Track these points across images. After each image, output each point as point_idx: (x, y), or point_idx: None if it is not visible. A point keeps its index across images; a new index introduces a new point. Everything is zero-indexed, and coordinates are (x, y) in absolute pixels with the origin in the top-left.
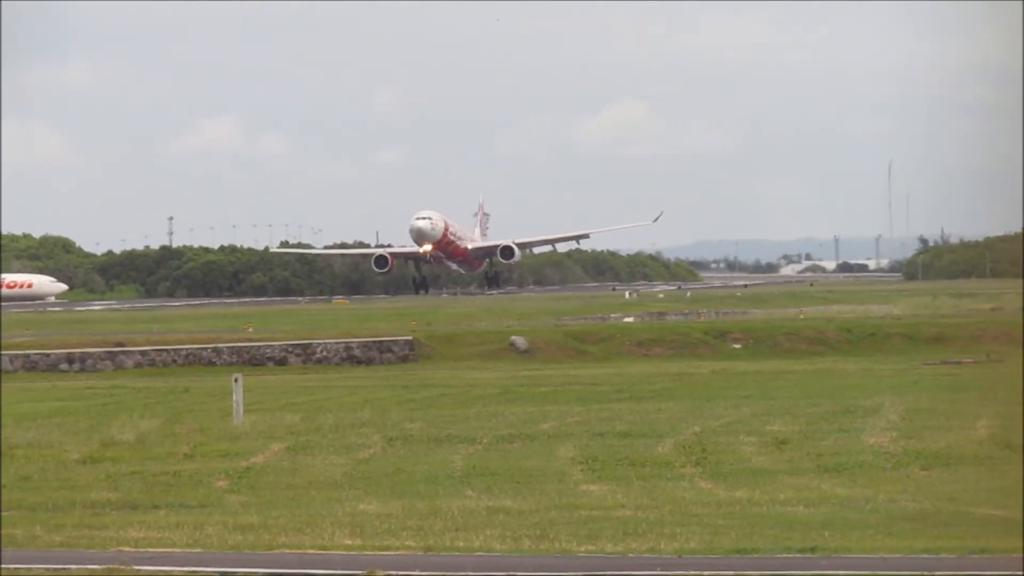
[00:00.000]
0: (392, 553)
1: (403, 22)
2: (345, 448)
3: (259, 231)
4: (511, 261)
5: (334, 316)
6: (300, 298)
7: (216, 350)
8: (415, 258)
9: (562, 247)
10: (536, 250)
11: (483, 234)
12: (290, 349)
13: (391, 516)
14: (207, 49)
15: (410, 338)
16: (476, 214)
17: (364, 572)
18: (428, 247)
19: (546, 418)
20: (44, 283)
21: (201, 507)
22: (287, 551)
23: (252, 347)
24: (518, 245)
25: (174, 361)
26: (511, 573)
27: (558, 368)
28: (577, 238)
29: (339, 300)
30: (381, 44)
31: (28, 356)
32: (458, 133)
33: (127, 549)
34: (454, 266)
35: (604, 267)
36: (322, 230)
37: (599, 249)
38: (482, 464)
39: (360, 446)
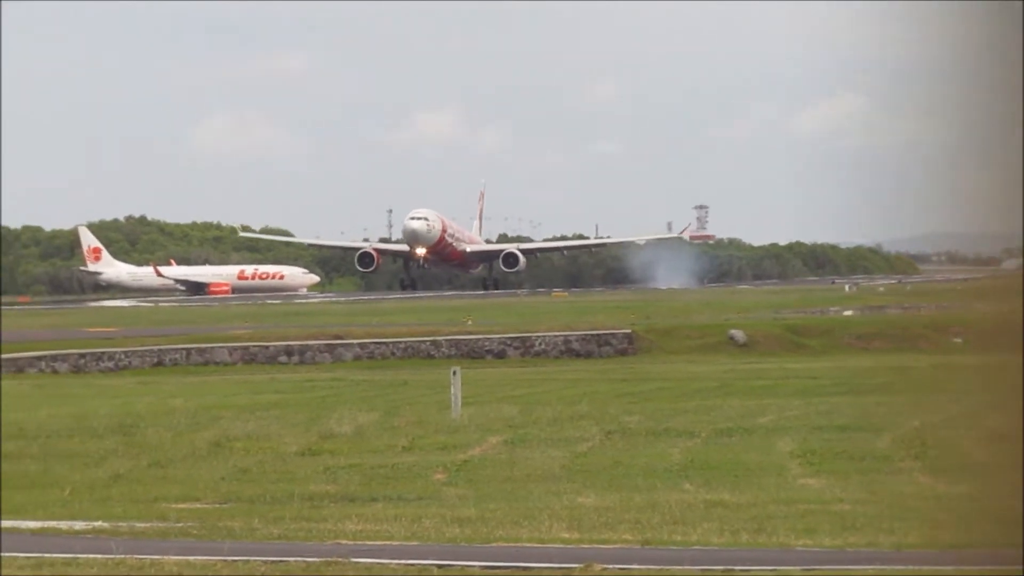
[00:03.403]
0: (610, 546)
1: (622, 14)
2: (563, 441)
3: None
4: (514, 270)
5: (553, 309)
6: (519, 291)
7: (435, 343)
8: (405, 257)
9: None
10: (544, 254)
11: (480, 227)
12: (509, 342)
13: (609, 509)
14: (426, 42)
15: (629, 331)
16: (479, 203)
17: (582, 565)
18: (422, 251)
19: (764, 412)
20: (296, 275)
21: (419, 500)
22: (504, 544)
23: (471, 340)
24: (523, 251)
25: (393, 354)
26: (729, 567)
27: (776, 361)
28: (591, 246)
29: (558, 293)
30: (600, 36)
31: (247, 349)
32: (675, 124)
33: (345, 542)
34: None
35: (823, 260)
36: (541, 223)
37: (819, 243)
38: (700, 458)
39: (578, 439)
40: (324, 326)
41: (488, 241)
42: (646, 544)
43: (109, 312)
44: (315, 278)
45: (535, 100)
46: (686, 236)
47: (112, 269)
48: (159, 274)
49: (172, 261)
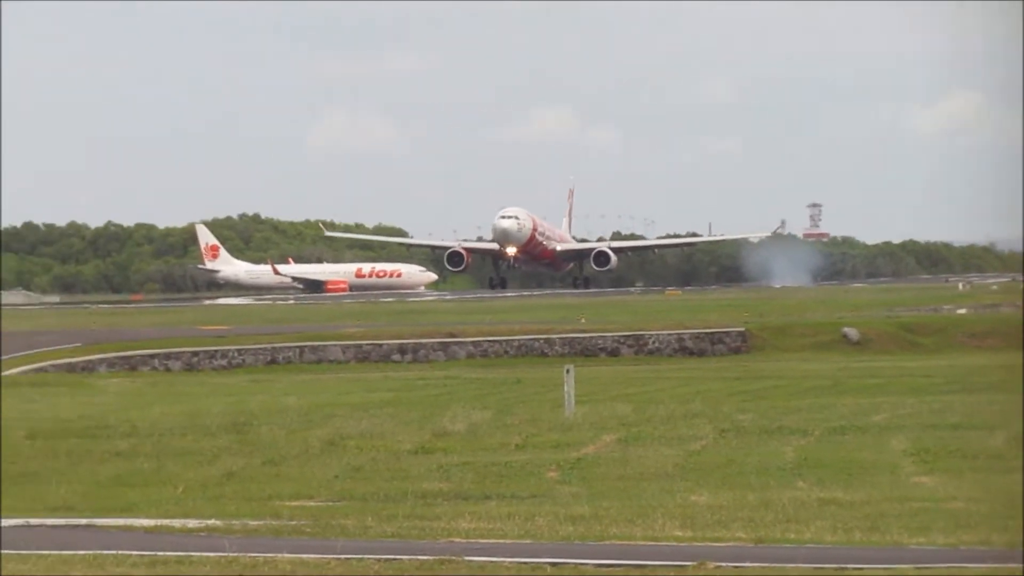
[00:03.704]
0: (723, 544)
1: (737, 11)
2: (677, 439)
3: (591, 222)
4: (606, 269)
5: (666, 307)
6: (632, 288)
7: (548, 341)
8: (494, 255)
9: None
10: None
11: (570, 226)
12: (622, 340)
13: (722, 507)
14: (540, 39)
15: (742, 329)
16: (568, 200)
17: (695, 563)
18: (513, 250)
19: (878, 410)
20: (413, 272)
21: (532, 498)
22: (617, 542)
23: (584, 338)
24: (614, 250)
25: (506, 352)
26: (842, 565)
27: (890, 359)
28: (683, 245)
29: (672, 291)
30: (715, 33)
31: (360, 347)
32: (789, 122)
33: (458, 540)
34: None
35: (937, 258)
36: (655, 221)
37: (932, 241)
38: (813, 456)
39: (691, 437)
40: (437, 324)
41: (583, 240)
42: (759, 542)
43: (222, 310)
44: (432, 276)
45: (648, 97)
46: (784, 232)
47: (230, 267)
48: (276, 272)
49: (290, 260)
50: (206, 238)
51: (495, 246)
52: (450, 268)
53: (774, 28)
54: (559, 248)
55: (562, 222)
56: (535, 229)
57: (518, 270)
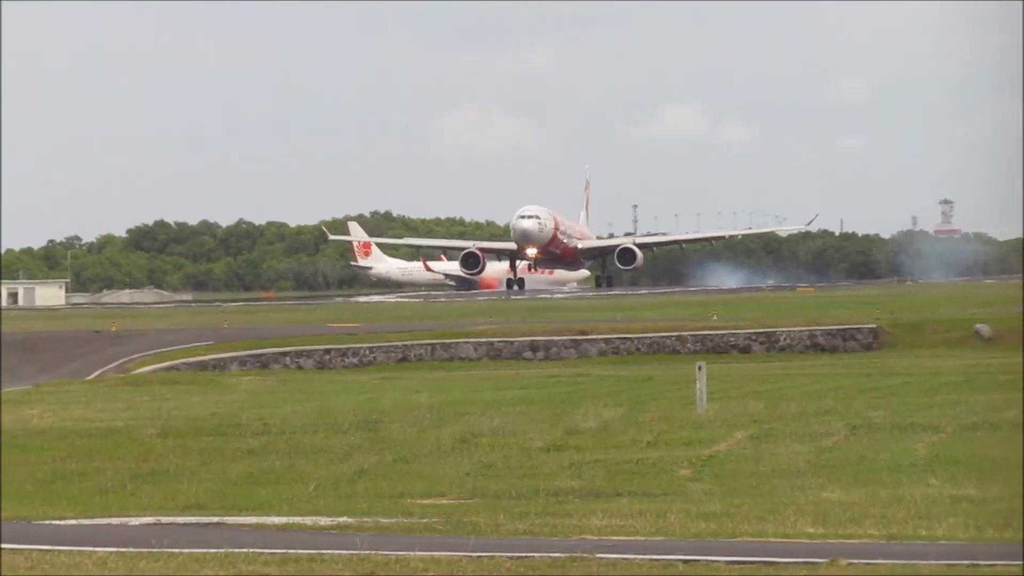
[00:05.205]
0: (855, 541)
1: (869, 10)
2: (808, 436)
3: (723, 218)
4: (631, 267)
5: (798, 304)
6: (763, 284)
7: (680, 338)
8: (511, 255)
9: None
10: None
11: (588, 219)
12: (754, 337)
13: (854, 504)
14: (671, 36)
15: (874, 326)
16: (584, 192)
17: (827, 560)
18: (534, 251)
19: (1010, 406)
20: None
21: (664, 495)
22: (749, 539)
23: (716, 335)
24: (639, 246)
25: (637, 349)
26: (974, 562)
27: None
28: (711, 239)
29: (803, 288)
30: (847, 31)
31: (492, 344)
32: (921, 118)
33: (590, 537)
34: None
35: None
36: (787, 217)
37: None
38: (945, 452)
39: (823, 434)
40: (569, 321)
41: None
42: (891, 539)
43: (353, 308)
44: (585, 272)
45: (779, 94)
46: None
47: (382, 264)
48: (428, 269)
49: (442, 256)
50: (359, 235)
51: (511, 246)
52: (464, 272)
53: (905, 27)
54: (580, 246)
55: (580, 216)
56: (557, 228)
57: (534, 270)
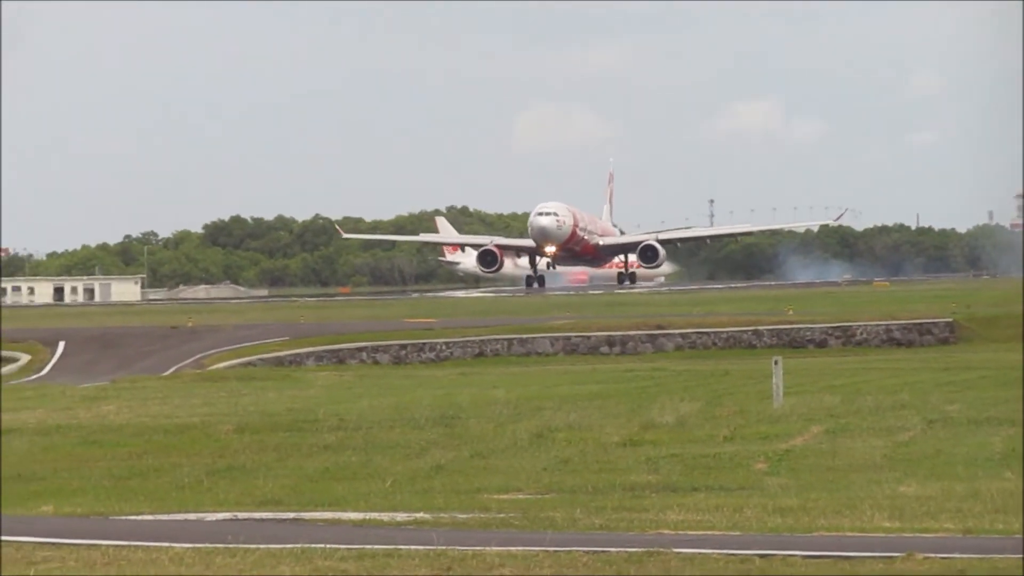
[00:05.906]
0: (931, 535)
1: (939, 7)
2: (885, 430)
3: (799, 213)
4: (654, 264)
5: (874, 298)
6: (839, 279)
7: (756, 332)
8: (530, 253)
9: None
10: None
11: (611, 213)
12: (830, 331)
13: (930, 498)
14: (744, 33)
15: (950, 320)
16: (608, 186)
17: (903, 555)
18: (552, 249)
19: None
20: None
21: (740, 490)
22: (825, 533)
23: (792, 329)
24: (661, 242)
25: (714, 344)
26: None
27: None
28: (735, 235)
29: (880, 282)
30: (919, 27)
31: (569, 339)
32: (994, 113)
33: (666, 532)
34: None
35: None
36: (862, 212)
37: None
38: (1022, 446)
39: (900, 428)
40: (645, 316)
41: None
42: (967, 533)
43: (429, 303)
44: (667, 267)
45: (852, 90)
46: (833, 223)
47: (469, 259)
48: (515, 265)
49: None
50: (447, 230)
51: (530, 243)
52: (482, 269)
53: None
54: (602, 243)
55: (603, 210)
56: (576, 225)
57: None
